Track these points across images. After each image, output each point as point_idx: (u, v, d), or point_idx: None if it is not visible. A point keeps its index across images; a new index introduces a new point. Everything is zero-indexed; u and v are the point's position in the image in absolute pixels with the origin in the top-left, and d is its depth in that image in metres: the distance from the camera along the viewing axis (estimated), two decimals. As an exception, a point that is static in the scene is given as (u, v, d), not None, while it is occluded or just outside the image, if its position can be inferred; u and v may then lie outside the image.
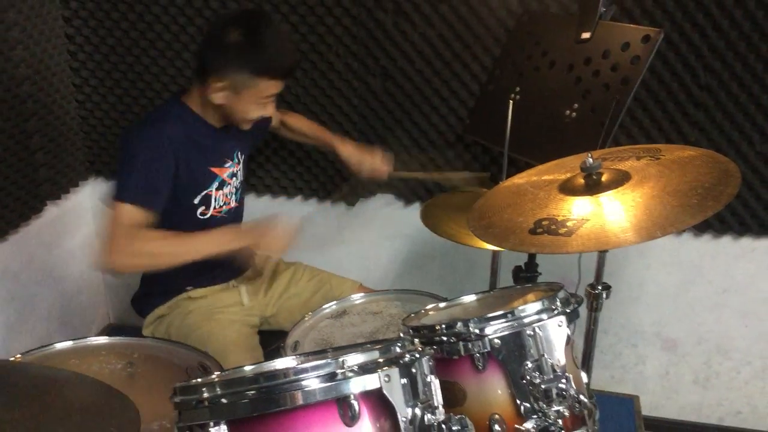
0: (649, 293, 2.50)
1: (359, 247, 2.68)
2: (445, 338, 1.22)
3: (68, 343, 1.63)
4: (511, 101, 1.94)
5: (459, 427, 1.02)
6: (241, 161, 2.04)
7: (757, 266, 2.36)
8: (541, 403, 1.17)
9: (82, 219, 2.76)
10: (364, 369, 1.01)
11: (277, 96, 1.86)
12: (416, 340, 1.13)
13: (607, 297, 1.60)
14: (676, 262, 2.43)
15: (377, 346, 1.08)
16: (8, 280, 2.38)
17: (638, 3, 2.09)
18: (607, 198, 1.37)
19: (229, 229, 1.87)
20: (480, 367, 1.22)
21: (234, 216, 2.04)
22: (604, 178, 1.43)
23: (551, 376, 1.18)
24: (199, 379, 1.05)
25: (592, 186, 1.43)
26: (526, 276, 2.05)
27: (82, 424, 1.11)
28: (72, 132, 2.60)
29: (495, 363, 1.21)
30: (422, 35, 2.29)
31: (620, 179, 1.41)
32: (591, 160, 1.42)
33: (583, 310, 1.62)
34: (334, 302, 1.87)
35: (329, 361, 1.00)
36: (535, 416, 1.15)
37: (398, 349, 1.08)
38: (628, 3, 2.10)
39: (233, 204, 2.02)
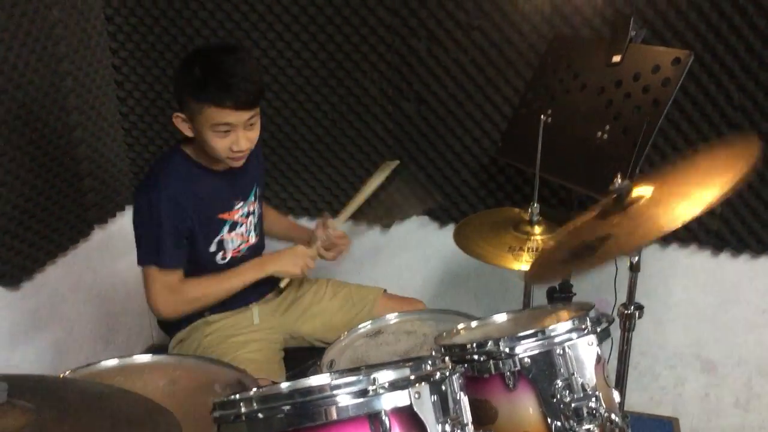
0: (687, 314, 2.49)
1: (394, 269, 2.71)
2: (476, 357, 1.25)
3: (114, 361, 1.69)
4: (542, 123, 1.97)
5: (488, 443, 1.04)
6: (258, 197, 2.06)
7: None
8: (571, 421, 1.19)
9: (127, 242, 2.84)
10: (395, 386, 1.04)
11: (251, 126, 1.82)
12: (447, 358, 1.16)
13: (640, 317, 1.60)
14: (714, 283, 2.41)
15: (408, 364, 1.11)
16: (57, 301, 2.48)
17: (669, 26, 2.11)
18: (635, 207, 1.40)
19: (253, 263, 1.98)
20: (511, 386, 1.24)
21: (255, 251, 2.07)
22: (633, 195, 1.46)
23: (581, 395, 1.20)
24: (237, 395, 1.09)
25: (623, 203, 1.45)
26: (561, 296, 2.06)
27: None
28: (118, 159, 2.70)
29: (525, 381, 1.24)
30: (455, 61, 2.34)
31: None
32: (619, 182, 1.45)
33: (616, 331, 1.64)
34: (369, 322, 1.91)
35: (361, 377, 1.04)
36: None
37: (429, 367, 1.11)
38: (659, 26, 2.12)
39: (252, 240, 2.05)
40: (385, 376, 1.05)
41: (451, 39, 2.31)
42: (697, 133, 2.20)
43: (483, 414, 1.25)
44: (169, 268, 1.86)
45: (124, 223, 2.79)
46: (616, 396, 1.36)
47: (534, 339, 1.24)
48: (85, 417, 1.21)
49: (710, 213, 2.30)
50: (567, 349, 1.22)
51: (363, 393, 1.02)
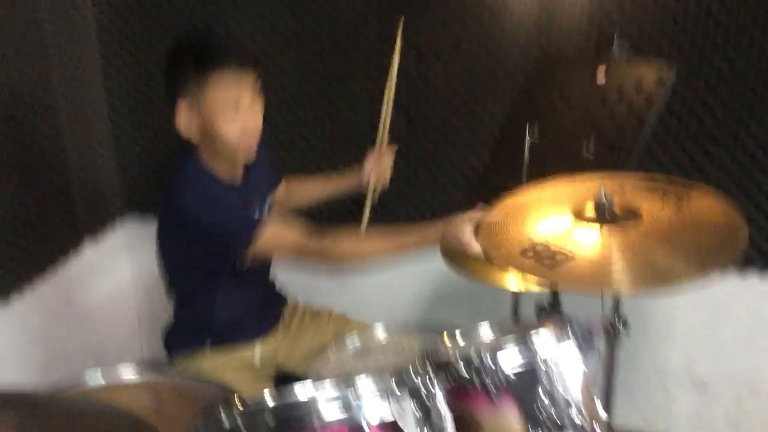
0: (677, 332, 2.49)
1: (385, 286, 2.71)
2: (459, 370, 1.25)
3: (100, 378, 1.69)
4: (528, 142, 1.99)
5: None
6: (269, 207, 2.03)
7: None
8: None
9: (119, 259, 2.86)
10: (378, 398, 1.04)
11: (254, 106, 1.78)
12: (430, 371, 1.16)
13: (627, 334, 1.61)
14: (704, 301, 2.42)
15: (392, 376, 1.11)
16: (47, 319, 2.47)
17: (653, 44, 2.14)
18: (607, 234, 1.40)
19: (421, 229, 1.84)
20: (494, 399, 1.24)
21: (264, 262, 2.01)
22: (615, 210, 1.47)
23: (563, 407, 1.20)
24: (221, 409, 1.09)
25: (600, 217, 1.47)
26: (550, 315, 2.07)
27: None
28: (108, 170, 2.71)
29: (508, 394, 1.24)
30: (444, 80, 2.37)
31: (630, 217, 1.45)
32: (603, 193, 1.46)
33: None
34: (358, 340, 1.91)
35: (344, 389, 1.04)
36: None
37: (412, 379, 1.11)
38: (644, 43, 2.14)
39: None
40: (367, 387, 1.05)
41: (440, 59, 2.34)
42: (682, 152, 2.22)
43: (467, 429, 1.25)
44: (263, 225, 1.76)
45: (115, 237, 2.80)
46: (600, 408, 1.36)
47: (517, 351, 1.24)
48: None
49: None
50: (549, 361, 1.23)
51: (346, 406, 1.03)
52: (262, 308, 2.02)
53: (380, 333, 1.96)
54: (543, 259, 1.33)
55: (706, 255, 1.32)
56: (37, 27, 2.28)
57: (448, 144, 2.44)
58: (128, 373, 1.73)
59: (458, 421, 1.21)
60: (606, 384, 1.65)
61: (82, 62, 2.53)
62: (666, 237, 1.39)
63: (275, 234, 1.77)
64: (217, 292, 1.93)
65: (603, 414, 1.35)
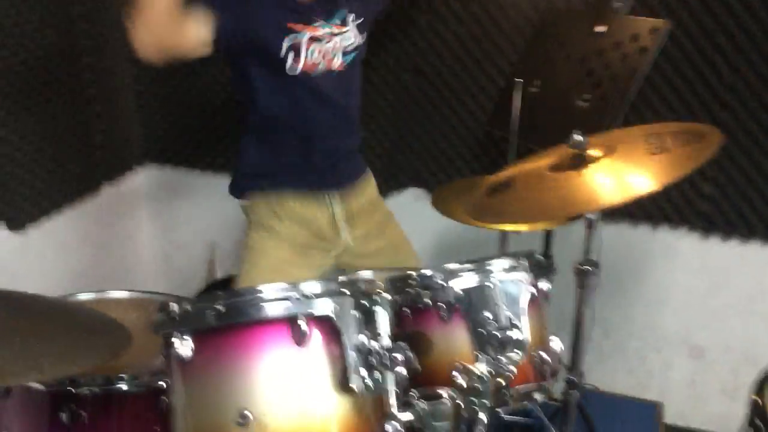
0: (676, 298, 2.48)
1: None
2: (414, 288, 1.29)
3: (90, 295, 1.78)
4: (522, 91, 2.00)
5: (402, 356, 1.09)
6: (351, 26, 1.88)
7: (787, 274, 2.31)
8: (496, 352, 1.22)
9: (136, 203, 2.96)
10: (318, 296, 1.10)
11: None
12: (378, 281, 1.20)
13: (596, 274, 1.62)
14: (704, 267, 2.40)
15: (339, 279, 1.16)
16: (61, 249, 2.59)
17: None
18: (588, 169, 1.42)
19: None
20: (445, 318, 1.28)
21: (337, 82, 1.88)
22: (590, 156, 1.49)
23: (507, 326, 1.24)
24: (174, 302, 1.15)
25: (578, 164, 1.48)
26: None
27: (78, 338, 1.25)
28: (130, 118, 2.81)
29: (458, 314, 1.28)
30: (454, 33, 2.38)
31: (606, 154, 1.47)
32: (578, 137, 1.48)
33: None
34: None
35: (288, 285, 1.10)
36: (489, 360, 1.20)
37: (361, 285, 1.16)
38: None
39: (336, 65, 1.86)
40: (311, 286, 1.11)
41: (450, 10, 2.36)
42: (686, 109, 2.20)
43: (420, 346, 1.29)
44: None
45: (134, 182, 2.91)
46: (557, 343, 1.39)
47: (468, 272, 1.28)
48: (45, 322, 1.30)
49: (699, 194, 2.30)
50: (498, 284, 1.26)
51: (285, 299, 1.08)
52: (306, 164, 1.93)
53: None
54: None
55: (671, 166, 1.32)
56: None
57: (456, 98, 2.46)
58: (118, 293, 1.84)
59: (412, 337, 1.25)
60: (576, 329, 1.67)
61: (106, 13, 2.61)
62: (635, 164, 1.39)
63: None
64: (250, 132, 1.93)
65: (559, 345, 1.38)
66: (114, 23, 2.63)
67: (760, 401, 1.32)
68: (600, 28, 1.93)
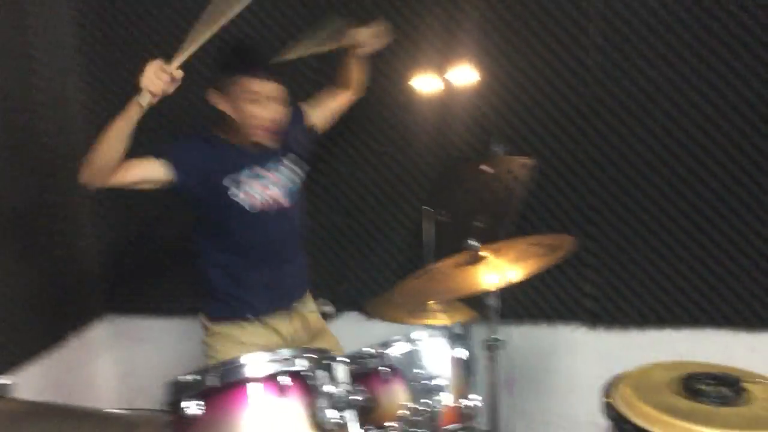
0: (580, 385, 2.92)
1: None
2: (361, 358, 1.72)
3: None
4: (435, 220, 2.54)
5: (360, 396, 1.49)
6: (287, 165, 2.34)
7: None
8: (426, 398, 1.64)
9: (103, 347, 3.26)
10: (294, 358, 1.51)
11: (274, 102, 2.20)
12: (333, 354, 1.62)
13: (503, 347, 2.06)
14: (597, 355, 2.88)
15: (307, 353, 1.58)
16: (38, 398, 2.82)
17: (526, 140, 2.76)
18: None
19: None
20: (385, 379, 1.70)
21: (286, 215, 2.31)
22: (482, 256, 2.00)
23: (434, 377, 1.66)
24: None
25: (475, 260, 1.99)
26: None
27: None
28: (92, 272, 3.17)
29: (396, 374, 1.70)
30: (372, 180, 2.94)
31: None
32: (471, 242, 1.99)
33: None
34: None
35: (270, 353, 1.51)
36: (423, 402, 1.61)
37: (323, 353, 1.58)
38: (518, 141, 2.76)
39: (282, 199, 2.30)
40: (288, 353, 1.52)
41: (369, 163, 2.93)
42: (560, 224, 2.79)
43: (367, 406, 1.69)
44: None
45: (96, 334, 3.21)
46: (475, 399, 1.81)
47: (401, 343, 1.72)
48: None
49: (583, 293, 2.83)
50: (423, 349, 1.71)
51: (271, 361, 1.49)
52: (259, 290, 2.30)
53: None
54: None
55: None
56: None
57: (378, 230, 2.97)
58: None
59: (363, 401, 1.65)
60: (490, 392, 2.08)
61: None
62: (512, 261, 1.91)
63: None
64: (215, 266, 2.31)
65: (475, 396, 1.80)
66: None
67: (611, 401, 1.72)
68: (484, 167, 2.51)
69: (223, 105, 2.20)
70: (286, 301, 2.34)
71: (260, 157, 2.27)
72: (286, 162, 2.34)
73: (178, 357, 3.17)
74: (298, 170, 2.38)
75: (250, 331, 2.28)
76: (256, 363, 1.50)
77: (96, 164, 2.02)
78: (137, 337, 3.32)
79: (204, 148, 2.23)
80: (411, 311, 2.29)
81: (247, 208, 2.22)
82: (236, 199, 2.21)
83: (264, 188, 2.26)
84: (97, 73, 3.08)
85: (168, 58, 2.05)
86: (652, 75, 2.63)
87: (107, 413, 1.63)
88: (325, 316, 2.50)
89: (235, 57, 2.21)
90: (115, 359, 3.34)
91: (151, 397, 3.27)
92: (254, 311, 2.28)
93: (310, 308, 2.45)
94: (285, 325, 2.33)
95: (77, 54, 3.06)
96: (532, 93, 2.74)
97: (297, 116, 2.41)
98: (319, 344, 2.40)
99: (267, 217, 2.26)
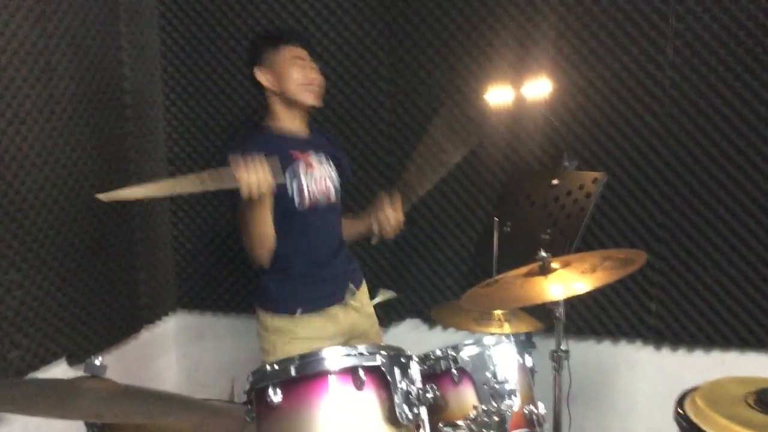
0: (641, 403, 2.91)
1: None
2: (432, 359, 1.77)
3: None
4: (498, 231, 2.57)
5: (432, 394, 1.54)
6: (330, 163, 2.41)
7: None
8: (495, 402, 1.68)
9: (172, 341, 3.39)
10: (371, 353, 1.57)
11: (316, 70, 2.33)
12: (407, 351, 1.67)
13: (566, 357, 2.08)
14: (658, 374, 2.86)
15: (381, 350, 1.63)
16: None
17: (595, 156, 2.77)
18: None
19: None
20: (455, 380, 1.75)
21: (333, 211, 2.41)
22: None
23: (503, 382, 1.70)
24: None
25: (544, 271, 2.02)
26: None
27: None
28: (167, 269, 3.31)
29: (466, 376, 1.74)
30: (440, 191, 2.99)
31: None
32: (543, 253, 2.02)
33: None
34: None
35: (349, 347, 1.57)
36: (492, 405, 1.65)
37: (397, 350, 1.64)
38: (588, 156, 2.77)
39: (332, 197, 2.38)
40: (365, 348, 1.58)
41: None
42: (627, 241, 2.79)
43: (437, 404, 1.73)
44: None
45: (166, 327, 3.35)
46: (541, 407, 1.84)
47: (471, 347, 1.77)
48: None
49: (648, 311, 2.82)
50: (493, 353, 1.75)
51: (347, 356, 1.55)
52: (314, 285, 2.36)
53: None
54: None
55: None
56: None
57: (444, 241, 3.02)
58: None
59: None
60: (555, 399, 2.10)
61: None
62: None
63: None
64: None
65: (542, 409, 1.83)
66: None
67: (681, 411, 1.73)
68: (555, 182, 2.54)
69: (269, 79, 2.30)
70: (339, 294, 2.40)
71: (308, 143, 2.36)
72: (328, 158, 2.42)
73: (238, 353, 3.27)
74: (336, 175, 2.43)
75: (303, 324, 2.34)
76: (335, 356, 1.56)
77: (265, 248, 2.19)
78: (203, 333, 3.44)
79: (258, 140, 2.28)
80: (476, 319, 2.32)
81: (299, 201, 2.27)
82: (291, 193, 2.27)
83: (316, 183, 2.32)
84: (177, 77, 3.22)
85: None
86: (728, 96, 2.63)
87: (192, 399, 1.72)
88: (385, 304, 2.53)
89: (275, 32, 2.58)
90: (183, 353, 3.46)
91: (213, 392, 3.43)
92: (308, 304, 2.34)
93: (364, 302, 2.51)
94: (338, 319, 2.39)
95: (162, 59, 3.21)
96: (605, 109, 2.77)
97: (338, 145, 2.56)
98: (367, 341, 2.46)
99: (317, 211, 2.32)
